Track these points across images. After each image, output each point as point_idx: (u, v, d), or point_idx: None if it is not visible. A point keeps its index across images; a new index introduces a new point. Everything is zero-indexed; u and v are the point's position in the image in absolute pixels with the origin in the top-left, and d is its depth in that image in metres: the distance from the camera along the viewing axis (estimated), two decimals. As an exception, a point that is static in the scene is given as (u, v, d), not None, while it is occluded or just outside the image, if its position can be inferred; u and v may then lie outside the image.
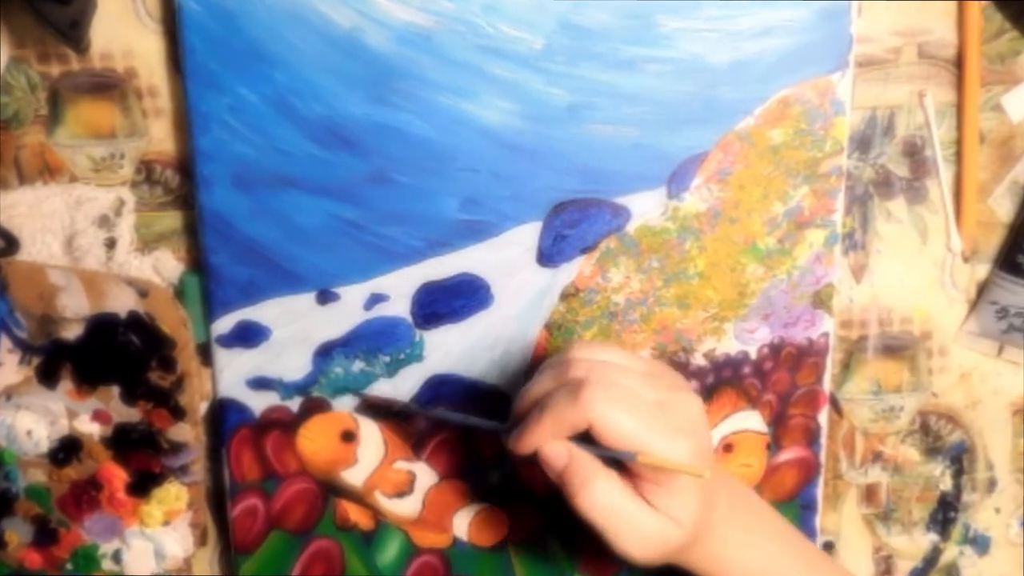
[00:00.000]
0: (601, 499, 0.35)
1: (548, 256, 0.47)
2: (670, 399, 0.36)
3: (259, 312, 0.46)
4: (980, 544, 0.54)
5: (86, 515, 0.48)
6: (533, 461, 0.37)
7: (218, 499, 0.49)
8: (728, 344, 0.49)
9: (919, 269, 0.50)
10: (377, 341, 0.47)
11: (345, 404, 0.48)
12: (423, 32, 0.43)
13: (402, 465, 0.49)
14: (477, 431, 0.47)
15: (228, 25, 0.43)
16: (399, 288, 0.46)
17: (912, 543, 0.54)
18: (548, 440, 0.35)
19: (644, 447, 0.34)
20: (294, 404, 0.48)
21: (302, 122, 0.44)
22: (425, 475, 0.49)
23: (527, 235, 0.46)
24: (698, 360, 0.49)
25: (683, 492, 0.36)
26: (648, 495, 0.36)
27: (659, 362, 0.37)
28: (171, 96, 0.45)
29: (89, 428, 0.47)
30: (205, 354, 0.47)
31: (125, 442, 0.47)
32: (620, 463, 0.36)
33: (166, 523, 0.48)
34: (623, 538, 0.35)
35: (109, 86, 0.45)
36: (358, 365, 0.47)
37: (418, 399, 0.48)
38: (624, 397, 0.35)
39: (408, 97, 0.44)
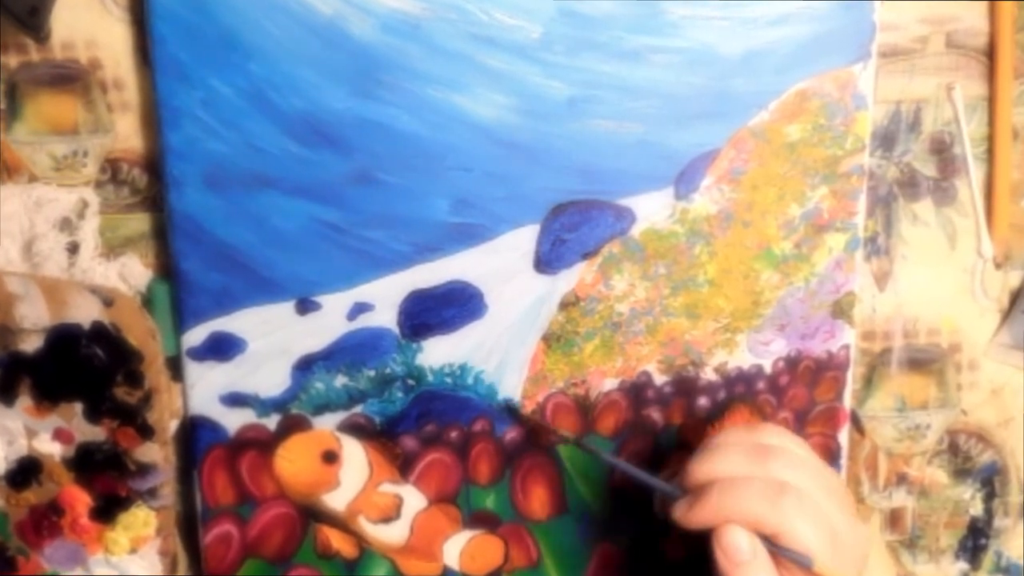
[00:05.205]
0: None
1: (546, 262, 0.46)
2: (847, 527, 0.38)
3: (234, 322, 0.45)
4: (1013, 573, 0.53)
5: (46, 542, 0.47)
6: (690, 531, 0.38)
7: (189, 525, 0.48)
8: (741, 357, 0.48)
9: (947, 276, 0.49)
10: (361, 354, 0.46)
11: (326, 422, 0.47)
12: (411, 20, 0.43)
13: (388, 488, 0.48)
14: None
15: (200, 13, 0.42)
16: (385, 297, 0.46)
17: (940, 572, 0.53)
18: (726, 523, 0.37)
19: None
20: (271, 422, 0.47)
21: (280, 117, 0.43)
22: (413, 499, 0.48)
23: (524, 239, 0.46)
24: (708, 375, 0.48)
25: None
26: None
27: (835, 473, 0.40)
28: (139, 89, 0.44)
29: (50, 448, 0.46)
30: (175, 368, 0.46)
31: (88, 463, 0.46)
32: None
33: (133, 551, 0.47)
34: None
35: (71, 78, 0.44)
36: (341, 380, 0.46)
37: (407, 416, 0.47)
38: (817, 515, 0.36)
39: (395, 90, 0.43)
